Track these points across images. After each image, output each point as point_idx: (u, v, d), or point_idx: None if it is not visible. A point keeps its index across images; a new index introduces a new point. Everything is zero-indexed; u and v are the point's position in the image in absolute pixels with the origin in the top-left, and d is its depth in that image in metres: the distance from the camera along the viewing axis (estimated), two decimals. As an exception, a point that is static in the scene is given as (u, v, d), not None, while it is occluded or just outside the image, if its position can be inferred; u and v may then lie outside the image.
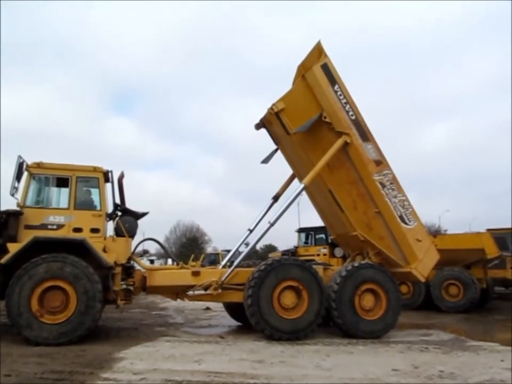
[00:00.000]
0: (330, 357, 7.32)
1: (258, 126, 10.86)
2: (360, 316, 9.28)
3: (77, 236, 8.64)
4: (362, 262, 9.81)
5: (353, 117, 9.77)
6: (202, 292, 9.61)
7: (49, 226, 8.70)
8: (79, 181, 9.09)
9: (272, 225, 9.51)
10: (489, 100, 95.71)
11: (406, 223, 9.87)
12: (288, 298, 9.07)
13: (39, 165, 8.99)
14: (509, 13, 76.36)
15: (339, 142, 9.62)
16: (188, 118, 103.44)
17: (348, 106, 9.75)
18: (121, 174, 9.80)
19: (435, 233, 27.64)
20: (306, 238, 22.24)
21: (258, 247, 44.27)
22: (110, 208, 9.55)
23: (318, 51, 9.89)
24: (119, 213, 9.74)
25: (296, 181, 11.44)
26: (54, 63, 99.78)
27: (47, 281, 8.01)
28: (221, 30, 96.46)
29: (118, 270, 8.97)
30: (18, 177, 8.66)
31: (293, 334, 8.85)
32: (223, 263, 11.14)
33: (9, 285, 7.90)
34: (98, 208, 9.14)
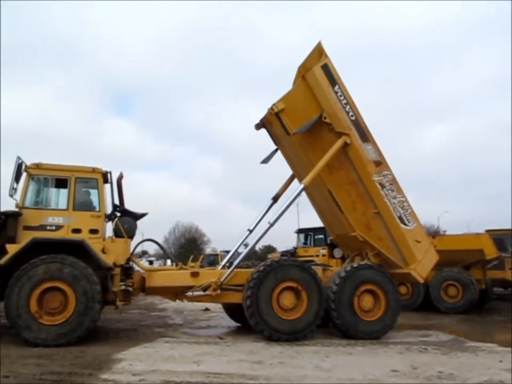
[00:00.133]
0: (329, 358, 7.32)
1: (258, 126, 10.87)
2: (359, 316, 9.28)
3: (76, 236, 8.64)
4: (361, 262, 9.81)
5: (353, 118, 9.79)
6: (201, 293, 9.61)
7: (48, 227, 8.69)
8: (78, 181, 9.08)
9: (271, 225, 9.52)
10: (489, 100, 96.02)
11: (405, 224, 9.88)
12: (287, 299, 9.07)
13: (38, 166, 8.99)
14: (509, 13, 76.55)
15: (339, 143, 9.63)
16: (187, 119, 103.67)
17: (348, 106, 9.76)
18: (120, 174, 9.80)
19: (434, 234, 27.66)
20: (306, 238, 22.25)
21: (257, 247, 44.33)
22: (109, 209, 9.55)
23: (318, 51, 9.91)
24: (118, 214, 9.73)
25: (295, 181, 11.45)
26: (53, 63, 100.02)
27: (46, 282, 8.00)
28: (220, 30, 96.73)
29: (117, 271, 8.96)
30: (17, 178, 8.65)
31: (292, 334, 8.85)
32: (222, 263, 11.15)
33: (8, 286, 7.89)
34: (97, 209, 9.14)
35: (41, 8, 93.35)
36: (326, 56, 9.80)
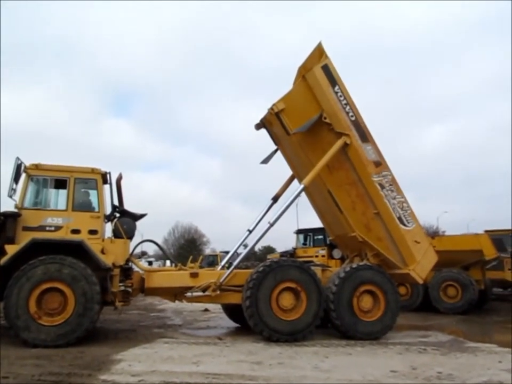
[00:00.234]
0: (329, 359, 7.32)
1: (258, 126, 10.89)
2: (359, 317, 9.28)
3: (75, 237, 8.64)
4: (361, 263, 9.81)
5: (353, 118, 9.80)
6: (201, 294, 9.59)
7: (47, 228, 8.68)
8: (77, 182, 9.08)
9: (271, 225, 9.52)
10: (489, 100, 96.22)
11: (404, 225, 9.89)
12: (287, 300, 9.07)
13: (37, 167, 8.99)
14: (509, 13, 76.69)
15: (339, 143, 9.65)
16: (186, 119, 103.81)
17: (348, 107, 9.78)
18: (119, 175, 9.79)
19: (433, 234, 27.68)
20: (305, 239, 22.25)
21: (256, 248, 44.32)
22: (108, 210, 9.54)
23: (319, 52, 9.93)
24: (117, 215, 9.73)
25: (295, 181, 11.46)
26: (53, 63, 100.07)
27: (45, 283, 8.00)
28: (220, 30, 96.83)
29: (116, 271, 8.96)
30: (16, 178, 8.64)
31: (291, 335, 8.84)
32: (221, 264, 11.15)
33: (7, 286, 7.88)
34: (96, 209, 9.13)
35: (41, 8, 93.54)
36: (327, 56, 9.82)
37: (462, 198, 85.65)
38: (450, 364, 6.99)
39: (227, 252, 16.92)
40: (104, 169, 9.38)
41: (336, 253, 19.05)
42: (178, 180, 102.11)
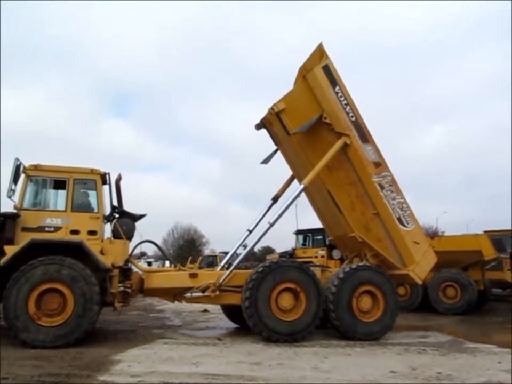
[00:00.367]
0: (328, 359, 7.33)
1: (258, 126, 10.90)
2: (358, 317, 9.28)
3: (74, 238, 8.63)
4: (360, 264, 9.81)
5: (353, 119, 9.81)
6: (200, 294, 9.58)
7: (47, 229, 8.67)
8: (77, 183, 9.07)
9: (271, 225, 9.53)
10: (489, 100, 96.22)
11: (404, 225, 9.89)
12: (286, 300, 9.07)
13: (36, 167, 8.97)
14: (509, 13, 76.77)
15: (339, 143, 9.66)
16: (186, 119, 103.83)
17: (348, 107, 9.79)
18: (118, 176, 9.79)
19: (432, 235, 27.68)
20: (304, 240, 22.26)
21: (256, 249, 44.28)
22: (107, 210, 9.54)
23: (319, 52, 9.96)
24: (117, 215, 9.72)
25: (295, 182, 11.46)
26: (52, 64, 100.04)
27: (44, 283, 7.99)
28: (220, 30, 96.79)
29: (116, 272, 8.94)
30: (15, 179, 8.63)
31: (290, 336, 8.84)
32: (221, 265, 11.14)
33: (6, 287, 7.87)
34: (95, 210, 9.12)
35: (40, 9, 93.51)
36: (327, 57, 9.84)
37: (462, 198, 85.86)
38: (450, 365, 6.99)
39: (226, 253, 16.91)
40: (103, 169, 9.39)
41: (336, 254, 19.06)
42: (177, 180, 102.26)
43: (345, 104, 9.78)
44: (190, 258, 11.93)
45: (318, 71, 9.69)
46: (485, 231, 16.86)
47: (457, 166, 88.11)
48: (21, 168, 8.78)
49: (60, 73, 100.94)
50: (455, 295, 14.58)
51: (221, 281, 9.40)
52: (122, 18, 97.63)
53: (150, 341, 8.73)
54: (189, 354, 7.46)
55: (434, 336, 10.02)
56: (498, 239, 16.55)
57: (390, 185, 9.92)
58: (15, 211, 8.60)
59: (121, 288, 9.40)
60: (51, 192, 9.25)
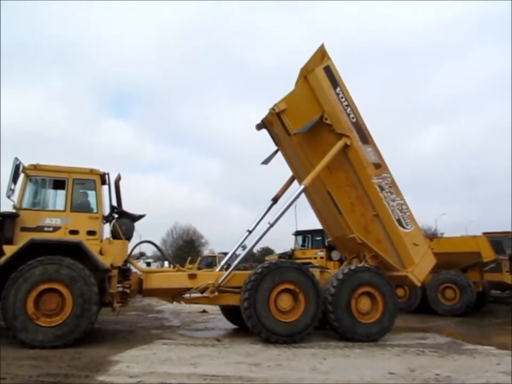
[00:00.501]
0: (327, 360, 7.32)
1: (259, 127, 10.92)
2: (357, 319, 9.27)
3: (73, 238, 8.62)
4: (359, 265, 9.81)
5: (353, 120, 9.83)
6: (199, 295, 9.58)
7: (46, 229, 8.67)
8: (76, 183, 9.07)
9: (271, 225, 9.52)
10: (489, 100, 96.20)
11: (403, 227, 9.90)
12: (285, 301, 9.06)
13: (35, 167, 8.97)
14: (509, 14, 76.93)
15: (339, 144, 9.67)
16: (185, 120, 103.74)
17: (349, 108, 9.81)
18: (118, 176, 9.79)
19: (431, 236, 27.72)
20: (303, 241, 22.28)
21: (255, 249, 44.27)
22: (106, 211, 9.54)
23: (321, 53, 9.98)
24: (116, 215, 9.72)
25: (295, 182, 11.47)
26: (52, 64, 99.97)
27: (43, 283, 7.99)
28: (219, 30, 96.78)
29: (115, 272, 8.93)
30: (14, 179, 8.63)
31: (289, 337, 8.84)
32: (220, 265, 11.14)
33: (4, 287, 7.86)
34: (95, 210, 9.12)
35: (40, 9, 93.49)
36: (329, 58, 9.87)
37: (461, 199, 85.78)
38: (448, 366, 6.99)
39: (225, 253, 16.92)
40: (102, 170, 9.39)
41: (335, 255, 19.06)
42: (177, 180, 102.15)
43: (346, 105, 9.79)
44: (189, 258, 11.92)
45: (319, 72, 9.71)
46: (484, 233, 16.89)
47: (457, 166, 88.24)
48: (20, 168, 8.78)
49: (59, 73, 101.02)
50: (454, 296, 14.58)
51: (219, 282, 9.40)
52: (122, 18, 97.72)
53: (149, 342, 8.73)
54: (187, 355, 7.46)
55: (433, 337, 10.02)
56: (497, 240, 16.57)
57: (390, 186, 9.93)
58: (14, 211, 8.60)
59: (120, 289, 9.39)
60: (50, 192, 9.24)
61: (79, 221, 8.85)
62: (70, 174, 9.05)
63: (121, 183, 9.84)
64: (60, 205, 9.03)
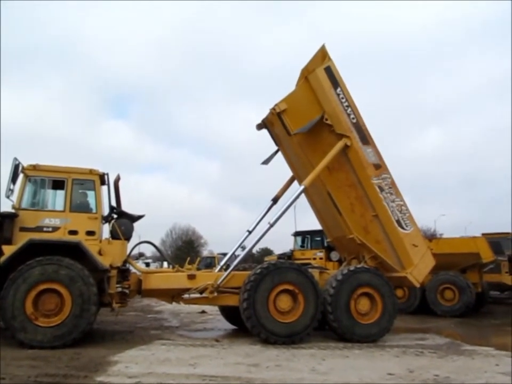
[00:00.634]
0: (326, 361, 7.32)
1: (259, 127, 10.93)
2: (356, 319, 9.27)
3: (73, 238, 8.62)
4: (358, 266, 9.82)
5: (354, 120, 9.84)
6: (198, 295, 9.58)
7: (45, 229, 8.66)
8: (75, 183, 9.06)
9: (271, 226, 9.53)
10: (489, 102, 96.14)
11: (403, 228, 9.90)
12: (284, 302, 9.06)
13: (34, 167, 8.96)
14: (509, 14, 77.03)
15: (339, 145, 9.68)
16: (185, 121, 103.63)
17: (349, 109, 9.82)
18: (117, 176, 9.79)
19: (431, 237, 27.72)
20: (303, 241, 22.26)
21: (254, 250, 44.27)
22: (105, 211, 9.53)
23: (322, 54, 9.99)
24: (115, 216, 9.71)
25: (295, 183, 11.48)
26: (51, 64, 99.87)
27: (42, 283, 7.98)
28: (219, 31, 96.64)
29: (114, 272, 8.93)
30: (13, 179, 8.63)
31: (288, 337, 8.83)
32: (219, 266, 11.13)
33: (3, 287, 7.85)
34: (94, 210, 9.12)
35: (39, 9, 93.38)
36: (329, 58, 9.89)
37: (460, 200, 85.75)
38: (447, 367, 6.99)
39: (225, 254, 16.89)
40: (102, 170, 9.39)
41: (334, 255, 19.04)
42: (176, 181, 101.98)
43: (347, 106, 9.81)
44: (188, 259, 11.91)
45: (320, 72, 9.73)
46: (483, 234, 16.90)
47: (456, 167, 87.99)
48: (20, 168, 8.77)
49: (59, 73, 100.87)
50: (453, 297, 14.58)
51: (219, 282, 9.39)
52: (122, 18, 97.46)
53: (148, 342, 8.72)
54: (186, 356, 7.45)
55: (432, 338, 10.03)
56: (496, 241, 16.59)
57: (390, 187, 9.93)
58: (13, 211, 8.59)
59: (119, 289, 9.39)
60: (49, 192, 9.24)
61: (78, 221, 8.85)
62: (69, 174, 9.04)
63: (120, 183, 9.85)
64: (59, 205, 9.03)
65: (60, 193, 9.12)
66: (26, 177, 8.87)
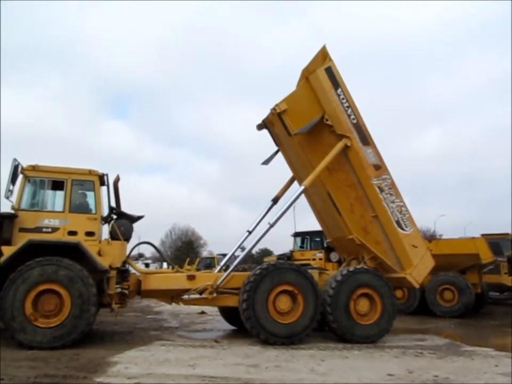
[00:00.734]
0: (325, 362, 7.32)
1: (260, 127, 10.94)
2: (355, 320, 9.27)
3: (72, 239, 8.61)
4: (358, 266, 9.82)
5: (354, 121, 9.85)
6: (198, 296, 9.58)
7: (44, 230, 8.66)
8: (75, 184, 9.06)
9: (272, 226, 9.53)
10: (488, 102, 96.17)
11: (402, 229, 9.90)
12: (284, 303, 9.06)
13: (34, 168, 8.96)
14: (509, 15, 77.07)
15: (339, 145, 9.69)
16: (184, 121, 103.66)
17: (349, 110, 9.84)
18: (116, 177, 9.79)
19: (430, 238, 27.72)
20: (302, 242, 22.27)
21: (254, 251, 44.28)
22: (105, 212, 9.53)
23: (322, 55, 10.01)
24: (115, 216, 9.71)
25: (295, 183, 11.48)
26: (51, 65, 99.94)
27: (42, 284, 7.97)
28: (218, 31, 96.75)
29: (113, 273, 8.92)
30: (13, 180, 8.62)
31: (288, 338, 8.83)
32: (219, 267, 11.13)
33: (3, 288, 7.85)
34: (93, 211, 9.11)
35: (39, 9, 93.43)
36: (330, 59, 9.90)
37: (460, 201, 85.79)
38: (447, 368, 6.99)
39: (224, 255, 16.91)
40: (101, 170, 9.38)
41: (333, 256, 19.04)
42: (176, 182, 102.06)
43: (347, 107, 9.82)
44: (188, 260, 11.92)
45: (320, 73, 9.74)
46: (483, 235, 16.89)
47: (456, 167, 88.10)
48: (19, 169, 8.76)
49: (59, 73, 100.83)
50: (452, 298, 14.59)
51: (218, 283, 9.39)
52: (122, 18, 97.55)
53: (147, 343, 8.72)
54: (186, 356, 7.45)
55: (432, 339, 10.03)
56: (496, 242, 16.58)
57: (390, 188, 9.94)
58: (12, 211, 8.59)
59: (119, 290, 9.38)
60: (49, 192, 9.24)
61: (77, 222, 8.84)
62: (68, 175, 9.04)
63: (120, 184, 9.85)
64: (59, 206, 9.02)
65: (59, 194, 9.11)
66: (26, 177, 8.86)
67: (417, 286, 10.24)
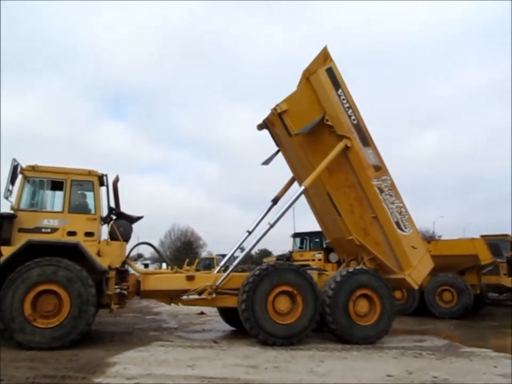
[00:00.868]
0: (324, 363, 7.31)
1: (260, 127, 10.95)
2: (355, 321, 9.27)
3: (71, 239, 8.61)
4: (357, 267, 9.82)
5: (355, 122, 9.86)
6: (197, 297, 9.57)
7: (43, 230, 8.66)
8: (74, 184, 9.06)
9: (272, 226, 9.53)
10: (488, 104, 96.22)
11: (402, 230, 9.90)
12: (283, 303, 9.06)
13: (33, 168, 8.96)
14: (509, 15, 77.14)
15: (340, 146, 9.70)
16: (183, 122, 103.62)
17: (350, 110, 9.85)
18: (116, 177, 9.79)
19: (429, 239, 27.71)
20: (301, 243, 22.27)
21: (253, 251, 44.25)
22: (104, 212, 9.52)
23: (323, 55, 10.02)
24: (114, 217, 9.70)
25: (295, 184, 11.48)
26: (50, 65, 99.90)
27: (41, 285, 7.97)
28: (218, 31, 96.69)
29: (112, 274, 8.92)
30: (12, 180, 8.62)
31: (287, 339, 8.83)
32: (218, 267, 11.13)
33: (2, 288, 7.84)
34: (92, 211, 9.12)
35: (40, 9, 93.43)
36: (331, 60, 9.92)
37: (459, 201, 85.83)
38: (446, 369, 6.99)
39: (223, 255, 16.90)
40: (101, 171, 9.38)
41: (333, 257, 19.03)
42: (175, 182, 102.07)
43: (348, 107, 9.83)
44: (187, 260, 11.91)
45: (321, 73, 9.76)
46: (482, 236, 16.88)
47: (456, 168, 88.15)
48: (18, 169, 8.76)
49: (59, 74, 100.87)
50: (451, 299, 14.58)
51: (217, 283, 9.38)
52: (122, 18, 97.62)
53: (146, 343, 8.71)
54: (185, 357, 7.45)
55: (431, 340, 10.02)
56: (495, 243, 16.56)
57: (389, 189, 9.94)
58: (12, 212, 8.58)
59: (118, 290, 9.36)
60: (48, 193, 9.23)
61: (77, 222, 8.84)
62: (68, 175, 9.04)
63: (119, 184, 9.84)
64: (58, 206, 9.02)
65: (59, 194, 9.11)
66: (25, 178, 8.86)
67: (416, 287, 10.23)
